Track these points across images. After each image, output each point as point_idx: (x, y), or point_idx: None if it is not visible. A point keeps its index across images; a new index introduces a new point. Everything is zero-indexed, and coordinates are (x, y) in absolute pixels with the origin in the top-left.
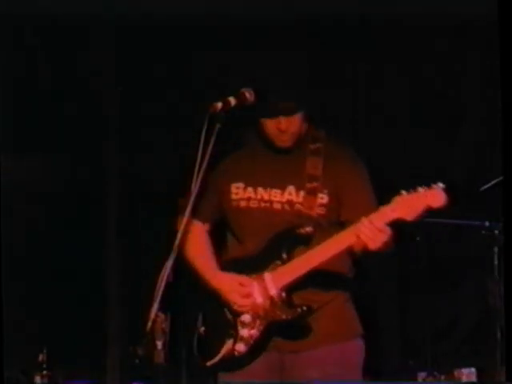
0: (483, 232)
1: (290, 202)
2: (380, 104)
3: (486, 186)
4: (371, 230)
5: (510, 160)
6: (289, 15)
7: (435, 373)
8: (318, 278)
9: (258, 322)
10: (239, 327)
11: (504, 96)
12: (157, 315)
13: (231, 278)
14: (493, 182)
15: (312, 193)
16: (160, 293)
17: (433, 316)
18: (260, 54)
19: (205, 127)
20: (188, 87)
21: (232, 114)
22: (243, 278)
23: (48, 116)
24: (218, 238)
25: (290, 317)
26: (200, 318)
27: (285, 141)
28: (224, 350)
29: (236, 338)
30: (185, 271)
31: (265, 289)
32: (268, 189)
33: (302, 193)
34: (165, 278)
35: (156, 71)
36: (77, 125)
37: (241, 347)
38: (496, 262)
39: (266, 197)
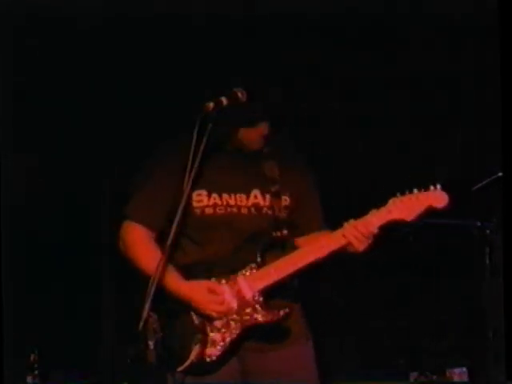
0: (475, 232)
1: (257, 206)
2: (376, 105)
3: (477, 186)
4: (362, 235)
5: (510, 160)
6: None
7: (427, 373)
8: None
9: (232, 325)
10: (209, 332)
11: (504, 96)
12: (149, 315)
13: (200, 286)
14: (484, 182)
15: (277, 195)
16: (152, 293)
17: (424, 316)
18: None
19: (197, 127)
20: (179, 87)
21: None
22: (213, 285)
23: (43, 116)
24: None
25: (270, 320)
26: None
27: (262, 143)
28: (193, 356)
29: (205, 342)
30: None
31: (238, 292)
32: (232, 194)
33: (267, 196)
34: (156, 278)
35: (146, 71)
36: (70, 125)
37: (212, 351)
38: (487, 262)
39: (231, 202)
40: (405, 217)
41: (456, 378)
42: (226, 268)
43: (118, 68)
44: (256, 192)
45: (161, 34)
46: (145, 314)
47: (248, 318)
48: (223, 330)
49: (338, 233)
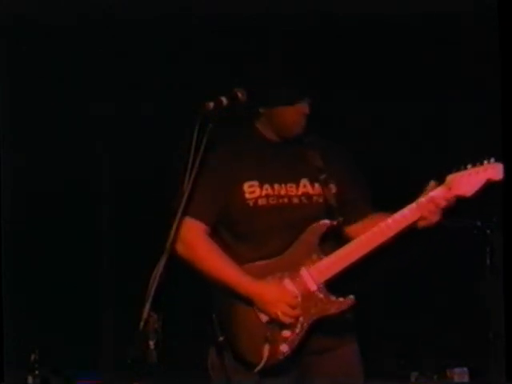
0: (475, 232)
1: (307, 195)
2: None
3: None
4: (435, 207)
5: (510, 160)
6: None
7: (428, 373)
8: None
9: (301, 320)
10: (278, 329)
11: (504, 95)
12: (149, 315)
13: (272, 288)
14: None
15: (325, 183)
16: (152, 293)
17: (425, 316)
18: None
19: (197, 127)
20: (179, 86)
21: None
22: (282, 286)
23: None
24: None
25: (339, 310)
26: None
27: (303, 126)
28: (266, 355)
29: (276, 340)
30: (178, 271)
31: (303, 286)
32: (283, 184)
33: (316, 185)
34: (157, 277)
35: (147, 71)
36: (68, 125)
37: (285, 348)
38: (488, 262)
39: (282, 192)
40: (465, 192)
41: (456, 378)
42: (287, 262)
43: (117, 67)
44: (305, 181)
45: (160, 34)
46: (145, 314)
47: (316, 311)
48: (293, 326)
49: (410, 208)
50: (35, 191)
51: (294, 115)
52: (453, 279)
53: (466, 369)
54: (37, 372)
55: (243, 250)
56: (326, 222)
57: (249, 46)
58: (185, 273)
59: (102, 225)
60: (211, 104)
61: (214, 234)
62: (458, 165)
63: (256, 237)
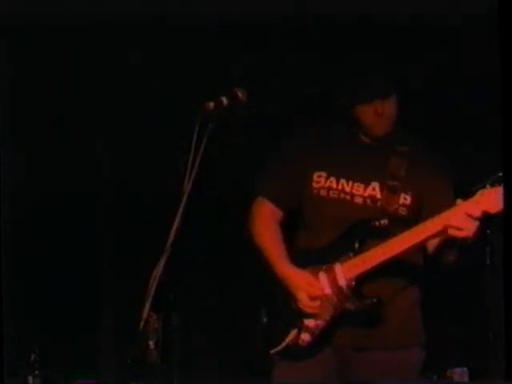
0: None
1: (373, 198)
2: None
3: (478, 186)
4: (462, 218)
5: (510, 160)
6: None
7: (427, 372)
8: (388, 267)
9: (324, 313)
10: (305, 317)
11: (504, 95)
12: (149, 315)
13: (301, 276)
14: (485, 182)
15: (393, 191)
16: (152, 292)
17: (424, 315)
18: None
19: (197, 127)
20: (179, 86)
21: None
22: (312, 278)
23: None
24: (291, 227)
25: (357, 308)
26: (263, 309)
27: (383, 125)
28: (288, 339)
29: (301, 327)
30: (178, 271)
31: (334, 280)
32: (351, 182)
33: (386, 191)
34: (157, 277)
35: (147, 70)
36: (68, 125)
37: (306, 337)
38: (488, 262)
39: (347, 189)
40: (491, 209)
41: (456, 378)
42: (328, 255)
43: (118, 67)
44: (375, 184)
45: (161, 34)
46: (145, 313)
47: (339, 305)
48: (317, 318)
49: (434, 219)
50: (35, 191)
51: (369, 115)
52: (452, 279)
53: (465, 369)
54: (37, 372)
55: (303, 237)
56: (370, 222)
57: (250, 46)
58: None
59: (102, 225)
60: (211, 104)
61: (297, 219)
62: (486, 179)
63: (314, 226)
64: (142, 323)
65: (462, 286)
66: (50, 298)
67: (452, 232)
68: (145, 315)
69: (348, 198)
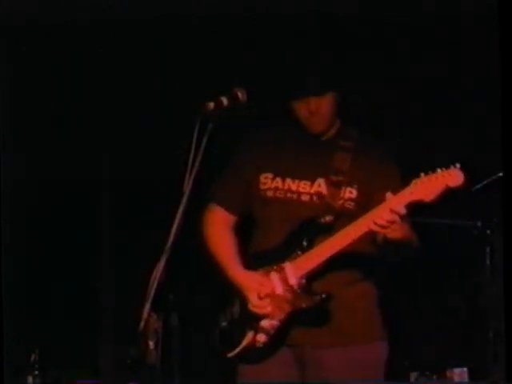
0: (475, 232)
1: (320, 195)
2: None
3: (478, 186)
4: (387, 216)
5: (510, 159)
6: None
7: (427, 373)
8: (339, 263)
9: (278, 312)
10: (259, 318)
11: (504, 95)
12: (149, 315)
13: (251, 277)
14: (484, 182)
15: (337, 186)
16: (152, 293)
17: (424, 316)
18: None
19: (197, 127)
20: (180, 87)
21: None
22: (263, 277)
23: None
24: (246, 232)
25: (308, 305)
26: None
27: (316, 123)
28: (245, 341)
29: (257, 328)
30: (177, 271)
31: (285, 279)
32: (296, 180)
33: (332, 186)
34: (157, 277)
35: (147, 70)
36: (68, 124)
37: (262, 337)
38: (488, 263)
39: (293, 188)
40: (424, 197)
41: (456, 378)
42: (278, 255)
43: (118, 67)
44: (320, 181)
45: (161, 34)
46: (145, 314)
47: (291, 304)
48: (271, 317)
49: (368, 215)
50: (34, 190)
51: (303, 112)
52: (453, 279)
53: (465, 369)
54: (37, 372)
55: (257, 239)
56: (316, 219)
57: (249, 46)
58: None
59: (102, 224)
60: (211, 104)
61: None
62: (427, 169)
63: (263, 228)
64: (141, 323)
65: (462, 285)
66: (50, 299)
67: (377, 230)
68: (145, 315)
69: (295, 196)
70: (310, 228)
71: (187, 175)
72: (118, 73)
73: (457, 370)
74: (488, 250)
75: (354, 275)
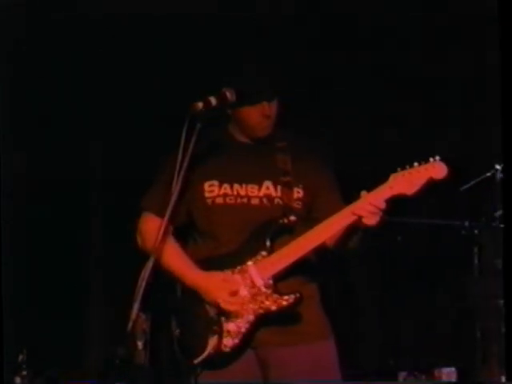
0: (463, 232)
1: (269, 197)
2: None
3: (466, 186)
4: (370, 209)
5: (510, 160)
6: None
7: (416, 372)
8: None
9: (245, 315)
10: (224, 322)
11: (504, 95)
12: (137, 316)
13: (214, 277)
14: (472, 182)
15: (288, 186)
16: (140, 293)
17: (413, 315)
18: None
19: (185, 127)
20: (168, 86)
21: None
22: (226, 276)
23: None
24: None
25: (280, 306)
26: (173, 319)
27: (266, 127)
28: (210, 347)
29: (221, 333)
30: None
31: (250, 280)
32: (244, 185)
33: (279, 187)
34: (145, 278)
35: (134, 70)
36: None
37: (229, 341)
38: (476, 262)
39: (242, 192)
40: (406, 191)
41: (444, 378)
42: (238, 258)
43: (108, 68)
44: (268, 183)
45: (153, 33)
46: (133, 314)
47: (260, 306)
48: (238, 320)
49: (347, 210)
50: (21, 190)
51: (256, 116)
52: (441, 279)
53: (454, 368)
54: (25, 373)
55: (205, 246)
56: (277, 220)
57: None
58: None
59: (91, 225)
60: (200, 104)
61: (187, 231)
62: (404, 164)
63: (214, 234)
64: (130, 324)
65: (451, 285)
66: (38, 299)
67: (359, 223)
68: (133, 316)
69: (245, 200)
70: (271, 229)
71: (175, 175)
72: (107, 73)
73: (445, 370)
74: (476, 249)
75: (299, 279)
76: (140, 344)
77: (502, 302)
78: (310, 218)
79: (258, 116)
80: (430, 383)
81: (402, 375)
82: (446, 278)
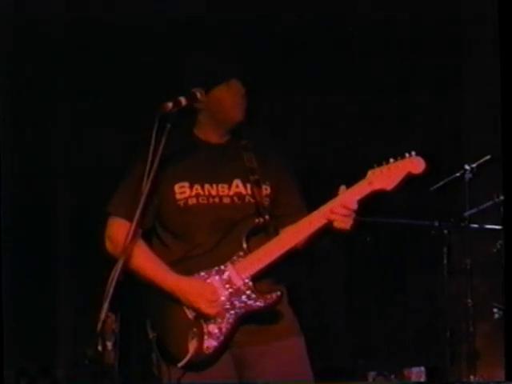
0: (432, 232)
1: (239, 195)
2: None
3: (435, 186)
4: (344, 212)
5: (511, 160)
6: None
7: (385, 372)
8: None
9: (227, 315)
10: (204, 324)
11: (504, 95)
12: (107, 315)
13: (194, 281)
14: (442, 182)
15: (258, 184)
16: (110, 293)
17: (382, 316)
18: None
19: (155, 127)
20: (138, 87)
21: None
22: (205, 278)
23: None
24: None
25: (266, 304)
26: (149, 324)
27: (241, 109)
28: (192, 350)
29: (202, 335)
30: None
31: (228, 281)
32: (214, 184)
33: (248, 185)
34: (115, 277)
35: (105, 71)
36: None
37: (211, 343)
38: (445, 262)
39: (213, 192)
40: (385, 186)
41: (414, 378)
42: (214, 258)
43: (83, 66)
44: (238, 182)
45: (112, 33)
46: (103, 314)
47: (241, 305)
48: (219, 321)
49: (320, 211)
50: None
51: (230, 96)
52: (410, 278)
53: (423, 368)
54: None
55: (178, 248)
56: (252, 220)
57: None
58: None
59: (59, 223)
60: (170, 104)
61: (154, 234)
62: (380, 160)
63: (188, 235)
64: (99, 324)
65: (420, 285)
66: (7, 299)
67: (331, 226)
68: (103, 316)
69: (217, 200)
70: (246, 228)
71: (145, 176)
72: (83, 72)
73: (414, 370)
74: (445, 249)
75: (268, 280)
76: (109, 344)
77: (470, 301)
78: (274, 214)
79: (233, 95)
80: (400, 383)
81: (371, 375)
82: (415, 278)
